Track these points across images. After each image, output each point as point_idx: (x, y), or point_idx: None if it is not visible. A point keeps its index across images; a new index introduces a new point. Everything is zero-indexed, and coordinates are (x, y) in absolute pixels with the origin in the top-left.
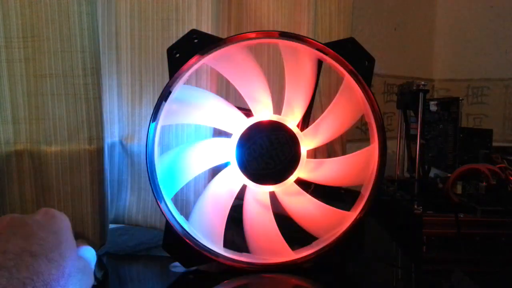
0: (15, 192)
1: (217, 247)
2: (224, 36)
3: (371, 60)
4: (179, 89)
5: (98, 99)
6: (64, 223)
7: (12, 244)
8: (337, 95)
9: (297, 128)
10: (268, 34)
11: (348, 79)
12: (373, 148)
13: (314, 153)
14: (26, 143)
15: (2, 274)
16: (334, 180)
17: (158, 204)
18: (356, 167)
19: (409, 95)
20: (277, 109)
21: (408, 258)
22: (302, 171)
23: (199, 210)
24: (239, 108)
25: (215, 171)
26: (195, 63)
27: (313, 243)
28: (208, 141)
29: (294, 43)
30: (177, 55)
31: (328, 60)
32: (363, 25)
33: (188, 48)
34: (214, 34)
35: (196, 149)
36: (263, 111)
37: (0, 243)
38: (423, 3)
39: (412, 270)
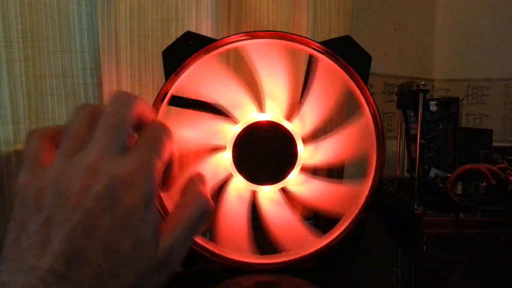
0: (15, 192)
1: (247, 256)
2: (224, 36)
3: (368, 58)
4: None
5: (98, 99)
6: (146, 197)
7: (76, 249)
8: (315, 78)
9: (291, 124)
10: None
11: (324, 61)
12: (366, 119)
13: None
14: None
15: None
16: (337, 157)
17: (158, 207)
18: (354, 139)
19: (409, 95)
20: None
21: (408, 258)
22: (303, 161)
23: (220, 230)
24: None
25: None
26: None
27: (340, 222)
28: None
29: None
30: (172, 57)
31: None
32: (363, 25)
33: (183, 50)
34: (214, 34)
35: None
36: (248, 113)
37: (66, 235)
38: (423, 3)
39: (412, 270)
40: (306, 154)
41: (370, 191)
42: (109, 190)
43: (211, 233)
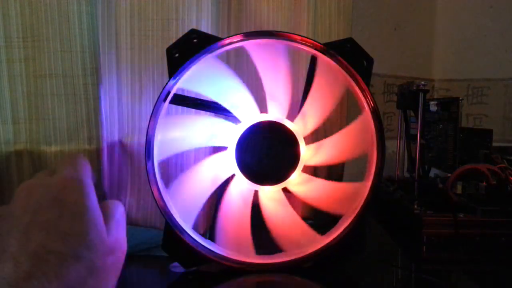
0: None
1: (247, 256)
2: (224, 36)
3: (370, 60)
4: (164, 123)
5: (98, 99)
6: (88, 195)
7: (37, 242)
8: (315, 77)
9: (294, 125)
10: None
11: (322, 59)
12: (365, 115)
13: (314, 170)
14: (26, 143)
15: (32, 285)
16: (338, 157)
17: (158, 207)
18: (354, 138)
19: (409, 95)
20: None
21: (408, 258)
22: (304, 162)
23: (223, 231)
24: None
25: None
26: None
27: (339, 221)
28: (207, 161)
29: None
30: (176, 55)
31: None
32: (363, 25)
33: (188, 48)
34: (214, 34)
35: (199, 173)
36: (249, 113)
37: (22, 237)
38: (423, 3)
39: (412, 270)
40: (308, 154)
41: (370, 190)
42: (47, 193)
43: (211, 233)
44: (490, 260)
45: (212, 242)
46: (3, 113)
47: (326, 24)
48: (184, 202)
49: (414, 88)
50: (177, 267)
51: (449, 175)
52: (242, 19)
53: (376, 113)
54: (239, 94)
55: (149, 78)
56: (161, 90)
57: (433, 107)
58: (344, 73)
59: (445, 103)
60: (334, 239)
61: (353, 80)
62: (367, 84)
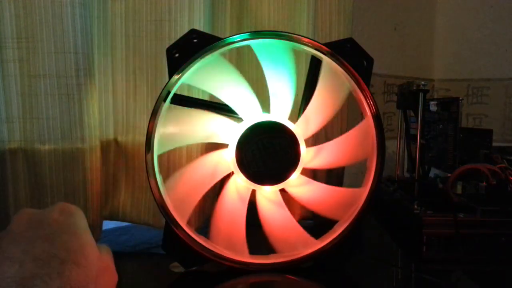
0: (9, 191)
1: (243, 256)
2: (223, 36)
3: (370, 60)
4: (166, 115)
5: (91, 99)
6: (82, 220)
7: (40, 249)
8: (319, 81)
9: (295, 126)
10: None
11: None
12: (367, 121)
13: (314, 170)
14: (20, 141)
15: (36, 284)
16: (337, 161)
17: (161, 211)
18: (355, 143)
19: (409, 95)
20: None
21: (408, 258)
22: (304, 164)
23: (217, 226)
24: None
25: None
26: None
27: (335, 226)
28: (208, 156)
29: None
30: (176, 55)
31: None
32: (363, 25)
33: (187, 48)
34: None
35: (199, 167)
36: (252, 112)
37: (25, 246)
38: (423, 3)
39: (412, 270)
40: (308, 156)
41: (368, 196)
42: (47, 216)
43: (208, 230)
44: (490, 260)
45: (206, 239)
46: None
47: (326, 24)
48: (181, 196)
49: (414, 88)
50: (177, 267)
51: (449, 175)
52: (242, 19)
53: (377, 119)
54: (243, 92)
55: (142, 78)
56: (154, 89)
57: (433, 107)
58: (348, 77)
59: (445, 103)
60: (328, 243)
61: (354, 81)
62: (367, 84)
